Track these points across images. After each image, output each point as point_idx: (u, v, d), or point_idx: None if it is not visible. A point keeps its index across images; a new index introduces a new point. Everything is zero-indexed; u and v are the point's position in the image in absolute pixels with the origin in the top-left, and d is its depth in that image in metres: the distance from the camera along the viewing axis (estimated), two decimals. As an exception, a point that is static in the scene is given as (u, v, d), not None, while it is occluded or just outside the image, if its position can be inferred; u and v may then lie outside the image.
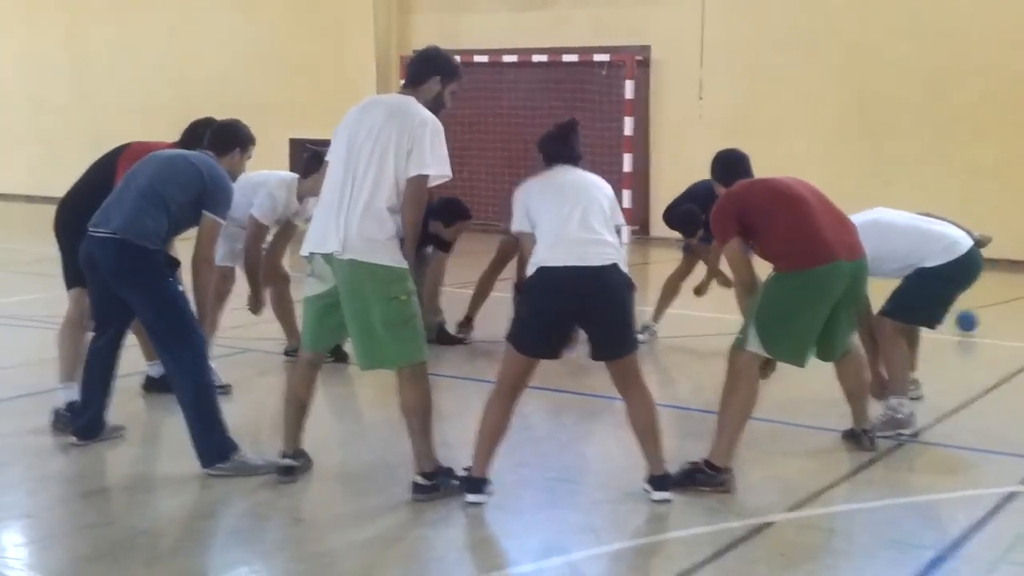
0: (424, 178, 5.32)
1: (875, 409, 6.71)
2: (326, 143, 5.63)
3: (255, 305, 7.86)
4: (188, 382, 5.83)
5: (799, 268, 5.71)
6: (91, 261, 5.99)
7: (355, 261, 5.30)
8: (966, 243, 6.80)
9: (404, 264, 5.35)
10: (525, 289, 5.57)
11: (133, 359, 6.97)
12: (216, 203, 6.00)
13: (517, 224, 5.56)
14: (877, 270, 6.36)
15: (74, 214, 6.48)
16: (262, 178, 7.81)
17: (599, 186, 5.65)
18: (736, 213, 5.87)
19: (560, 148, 5.74)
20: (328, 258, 5.37)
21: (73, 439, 6.20)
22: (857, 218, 6.39)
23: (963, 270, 6.79)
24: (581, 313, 5.38)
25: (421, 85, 5.54)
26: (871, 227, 6.49)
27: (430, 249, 8.93)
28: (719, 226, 5.94)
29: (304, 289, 5.59)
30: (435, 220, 8.77)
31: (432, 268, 8.99)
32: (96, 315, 6.20)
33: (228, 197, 6.11)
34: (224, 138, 6.37)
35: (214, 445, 5.78)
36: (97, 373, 6.18)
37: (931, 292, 6.75)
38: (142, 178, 5.98)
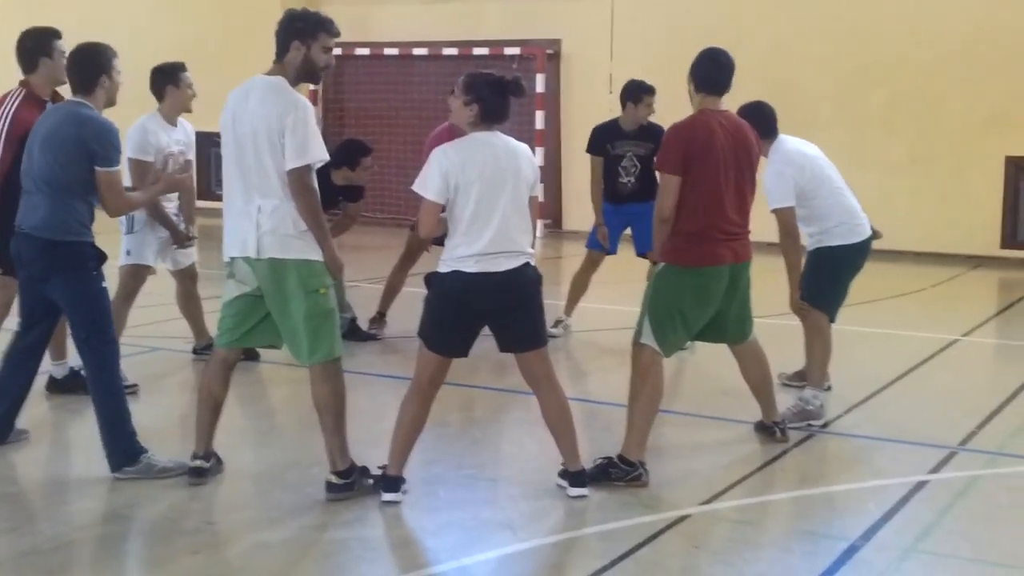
0: (304, 168, 5.20)
1: (786, 400, 6.79)
2: None
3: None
4: (104, 382, 5.71)
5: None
6: (19, 258, 5.85)
7: (274, 259, 5.22)
8: (867, 228, 6.96)
9: (321, 257, 5.28)
10: (435, 288, 5.38)
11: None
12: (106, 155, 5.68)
13: (431, 190, 5.17)
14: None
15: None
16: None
17: (524, 160, 5.32)
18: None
19: (504, 106, 5.32)
20: (248, 260, 5.28)
21: None
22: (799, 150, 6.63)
23: (860, 256, 6.91)
24: (493, 311, 5.33)
25: (284, 56, 5.36)
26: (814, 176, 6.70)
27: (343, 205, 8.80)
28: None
29: (224, 293, 5.47)
30: (338, 169, 8.43)
31: (345, 223, 8.92)
32: (24, 313, 6.02)
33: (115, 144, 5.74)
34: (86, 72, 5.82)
35: (122, 448, 5.66)
36: (17, 373, 6.02)
37: (834, 275, 6.82)
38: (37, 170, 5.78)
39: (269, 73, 5.37)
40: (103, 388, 5.73)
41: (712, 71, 5.91)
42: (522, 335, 5.41)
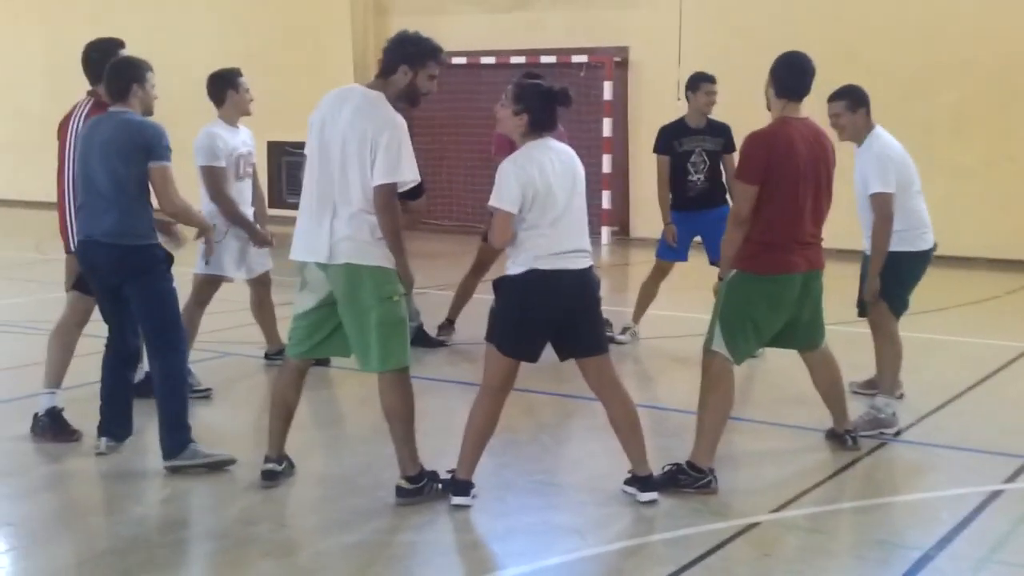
0: (392, 186, 5.24)
1: (858, 409, 6.73)
2: (304, 146, 5.54)
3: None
4: (171, 382, 5.92)
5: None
6: (92, 266, 6.02)
7: (350, 265, 5.27)
8: (932, 239, 6.93)
9: (393, 265, 5.34)
10: (508, 289, 5.39)
11: (90, 367, 6.87)
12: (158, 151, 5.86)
13: (508, 202, 5.19)
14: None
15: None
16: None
17: (577, 164, 5.42)
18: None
19: (552, 115, 5.36)
20: (321, 266, 5.34)
21: (103, 445, 6.14)
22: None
23: (921, 265, 6.88)
24: (565, 312, 5.34)
25: (390, 76, 5.41)
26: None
27: None
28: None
29: (296, 303, 5.54)
30: None
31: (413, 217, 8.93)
32: (106, 320, 6.17)
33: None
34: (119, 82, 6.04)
35: (177, 441, 5.90)
36: (115, 377, 6.18)
37: (897, 279, 6.77)
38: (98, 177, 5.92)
39: (370, 86, 5.42)
40: (169, 389, 5.93)
41: (792, 76, 5.86)
42: (586, 340, 5.42)
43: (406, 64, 5.38)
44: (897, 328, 6.82)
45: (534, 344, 5.40)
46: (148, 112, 6.05)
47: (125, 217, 5.84)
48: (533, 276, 5.25)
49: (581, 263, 5.30)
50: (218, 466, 5.90)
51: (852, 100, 6.76)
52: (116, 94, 5.97)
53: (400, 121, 5.30)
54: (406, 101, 5.45)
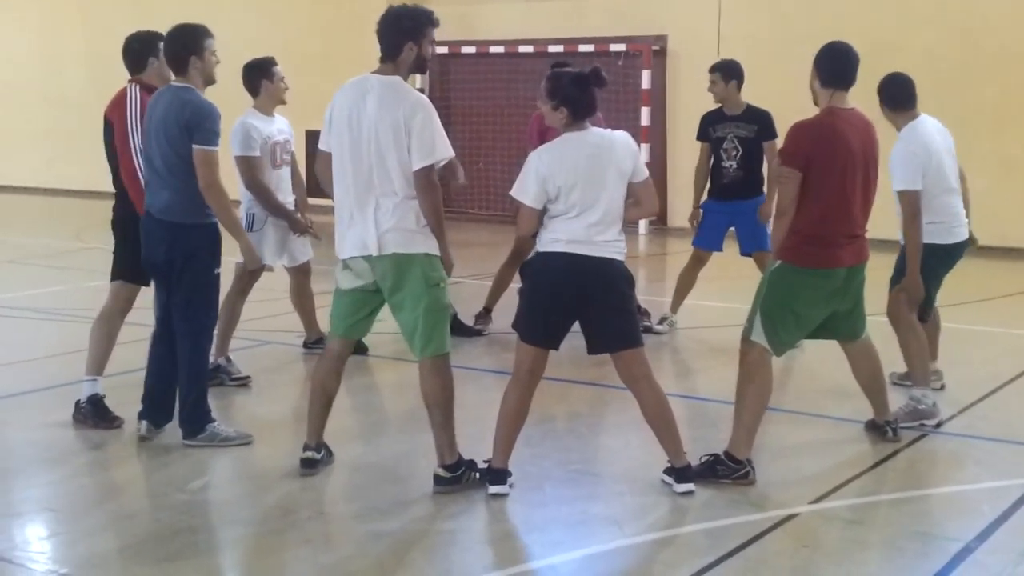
0: (431, 167, 5.28)
1: (899, 400, 6.68)
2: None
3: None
4: (196, 365, 6.07)
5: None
6: (147, 239, 6.10)
7: (398, 254, 5.30)
8: (964, 232, 6.85)
9: (438, 252, 5.37)
10: (529, 273, 5.45)
11: (132, 356, 6.93)
12: (202, 134, 5.88)
13: (529, 196, 5.25)
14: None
15: (121, 203, 6.49)
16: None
17: (619, 151, 5.31)
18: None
19: (590, 100, 5.32)
20: (368, 258, 5.36)
21: (144, 428, 6.24)
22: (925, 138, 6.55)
23: (950, 258, 6.83)
24: (583, 300, 5.30)
25: (397, 57, 5.39)
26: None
27: None
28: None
29: (338, 280, 5.55)
30: None
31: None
32: (157, 304, 6.24)
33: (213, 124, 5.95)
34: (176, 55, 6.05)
35: (197, 420, 6.09)
36: (162, 361, 6.26)
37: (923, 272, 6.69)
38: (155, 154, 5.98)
39: (381, 72, 5.42)
40: (194, 372, 6.05)
41: (837, 65, 5.78)
42: (615, 334, 5.40)
43: (410, 40, 5.37)
44: (916, 319, 6.76)
45: (549, 329, 5.38)
46: (210, 81, 6.07)
47: (176, 195, 5.92)
48: (548, 258, 5.28)
49: (602, 251, 5.25)
50: (235, 445, 6.12)
51: (882, 97, 6.75)
52: (175, 68, 6.00)
53: (426, 101, 5.36)
54: (415, 71, 5.48)
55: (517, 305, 5.53)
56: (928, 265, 6.66)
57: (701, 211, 8.99)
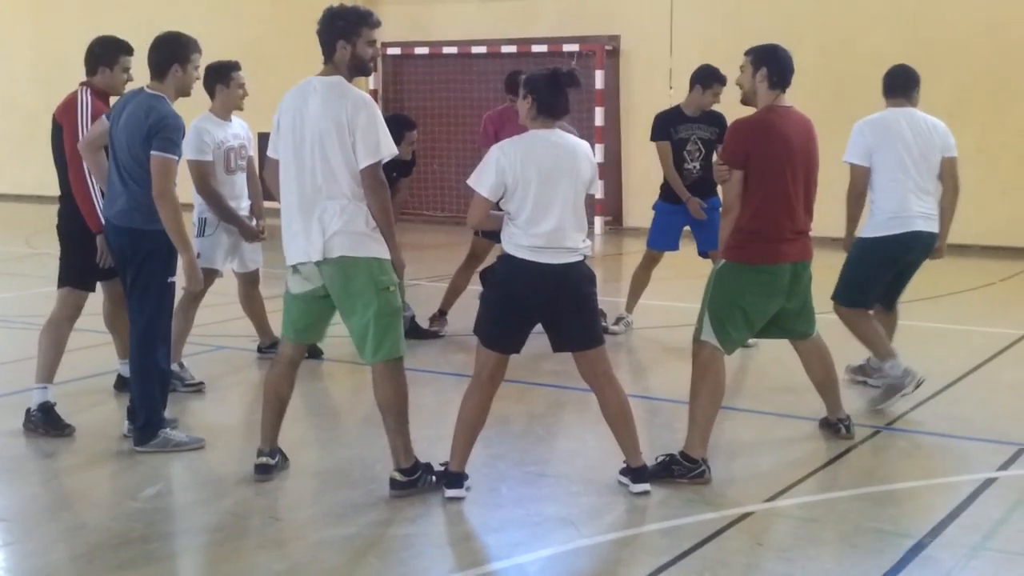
0: (377, 164, 5.26)
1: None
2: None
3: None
4: (148, 368, 5.98)
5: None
6: (110, 248, 6.08)
7: (344, 258, 5.26)
8: (915, 223, 6.97)
9: (387, 256, 5.33)
10: (492, 279, 5.44)
11: (103, 358, 6.89)
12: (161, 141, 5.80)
13: (485, 186, 5.22)
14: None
15: (67, 207, 6.43)
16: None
17: (581, 159, 5.31)
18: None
19: (560, 100, 5.29)
20: (317, 262, 5.32)
21: (127, 427, 6.22)
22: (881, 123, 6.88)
23: (900, 250, 6.97)
24: (545, 306, 5.33)
25: (333, 57, 5.38)
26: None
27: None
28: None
29: (288, 284, 5.52)
30: None
31: (397, 199, 8.86)
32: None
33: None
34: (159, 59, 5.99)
35: (151, 427, 6.01)
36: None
37: (870, 268, 6.90)
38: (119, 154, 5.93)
39: (323, 74, 5.40)
40: (146, 374, 5.98)
41: (786, 69, 5.86)
42: (578, 334, 5.41)
43: (342, 39, 5.35)
44: (857, 313, 6.97)
45: (513, 336, 5.38)
46: (183, 93, 6.02)
47: (133, 199, 5.86)
48: (510, 267, 5.28)
49: (563, 258, 5.25)
50: (188, 450, 6.06)
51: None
52: (155, 71, 5.94)
53: (368, 99, 5.34)
54: (357, 73, 5.42)
55: (478, 310, 5.51)
56: (875, 258, 6.90)
57: (696, 199, 8.86)
